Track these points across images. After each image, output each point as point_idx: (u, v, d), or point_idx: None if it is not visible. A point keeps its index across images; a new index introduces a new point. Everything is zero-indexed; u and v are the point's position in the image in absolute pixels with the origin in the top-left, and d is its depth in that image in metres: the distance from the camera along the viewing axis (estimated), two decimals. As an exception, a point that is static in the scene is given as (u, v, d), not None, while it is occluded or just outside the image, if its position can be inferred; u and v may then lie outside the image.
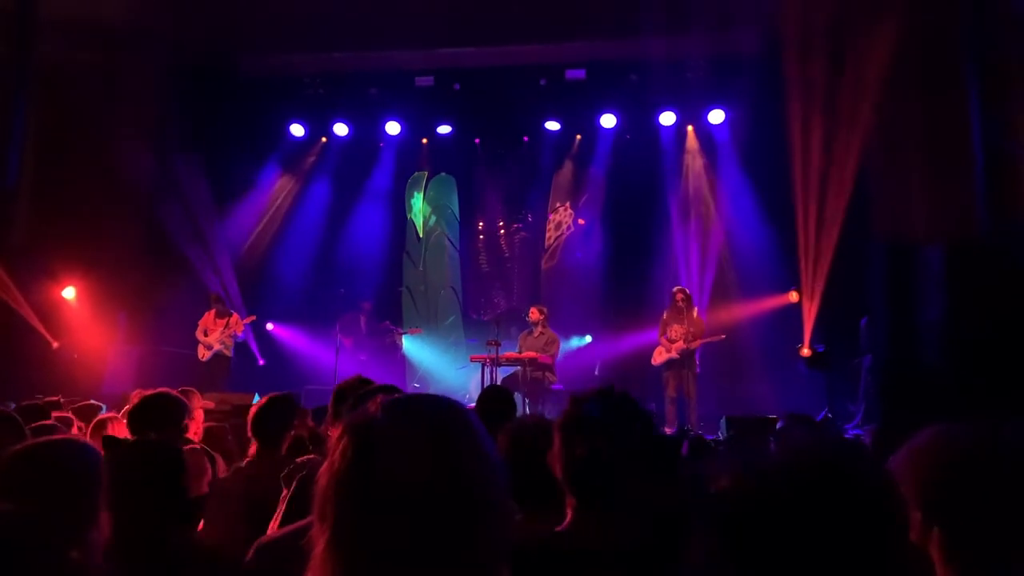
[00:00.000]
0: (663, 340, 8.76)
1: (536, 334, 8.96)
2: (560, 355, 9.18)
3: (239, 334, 9.51)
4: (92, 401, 5.43)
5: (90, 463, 1.87)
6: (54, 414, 4.02)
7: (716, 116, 10.37)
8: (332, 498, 0.97)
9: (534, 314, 9.05)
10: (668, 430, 7.80)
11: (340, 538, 0.96)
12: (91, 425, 3.44)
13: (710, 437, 6.40)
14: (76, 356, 8.74)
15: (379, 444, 0.98)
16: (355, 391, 2.18)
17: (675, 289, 8.83)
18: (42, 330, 8.64)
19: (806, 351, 8.10)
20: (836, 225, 8.44)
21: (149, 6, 9.19)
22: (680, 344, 8.58)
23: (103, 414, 3.68)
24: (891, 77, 8.72)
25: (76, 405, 4.87)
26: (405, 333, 10.63)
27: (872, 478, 1.15)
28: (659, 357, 8.74)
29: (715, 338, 8.68)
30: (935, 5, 8.21)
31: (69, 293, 9.12)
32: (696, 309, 8.78)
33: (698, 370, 8.80)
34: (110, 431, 3.29)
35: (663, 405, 8.62)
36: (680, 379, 8.59)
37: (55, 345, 8.67)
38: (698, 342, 8.58)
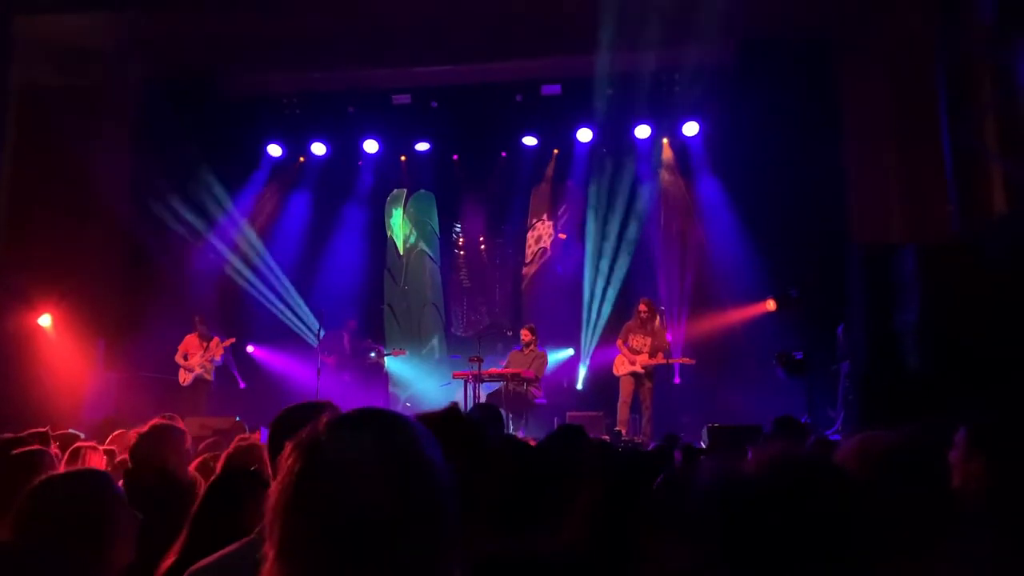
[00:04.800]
0: (624, 349, 8.80)
1: (526, 353, 9.02)
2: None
3: (217, 359, 9.44)
4: (71, 430, 5.38)
5: (106, 495, 1.89)
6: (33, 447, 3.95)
7: (691, 128, 10.48)
8: (279, 515, 0.98)
9: (525, 335, 9.11)
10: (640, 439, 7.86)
11: (286, 555, 0.97)
12: (67, 453, 3.40)
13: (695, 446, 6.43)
14: (53, 385, 8.61)
15: (323, 461, 0.98)
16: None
17: (641, 300, 8.90)
18: (19, 359, 8.53)
19: (784, 358, 8.16)
20: (810, 232, 8.57)
21: (125, 27, 9.17)
22: (644, 357, 8.63)
23: (80, 442, 3.64)
24: (862, 84, 8.89)
25: (55, 433, 4.82)
26: (388, 354, 10.58)
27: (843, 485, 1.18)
28: (622, 368, 8.79)
29: (684, 361, 8.73)
30: (904, 11, 8.38)
31: (45, 321, 9.02)
32: (658, 321, 8.82)
33: (676, 381, 8.86)
34: (85, 458, 3.27)
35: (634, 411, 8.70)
36: (638, 387, 8.65)
37: (32, 374, 8.55)
38: (662, 359, 8.61)
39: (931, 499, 1.55)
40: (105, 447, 3.89)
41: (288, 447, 1.03)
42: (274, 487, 1.01)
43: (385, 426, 1.03)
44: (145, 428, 3.12)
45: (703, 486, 1.26)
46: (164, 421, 3.22)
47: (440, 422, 1.82)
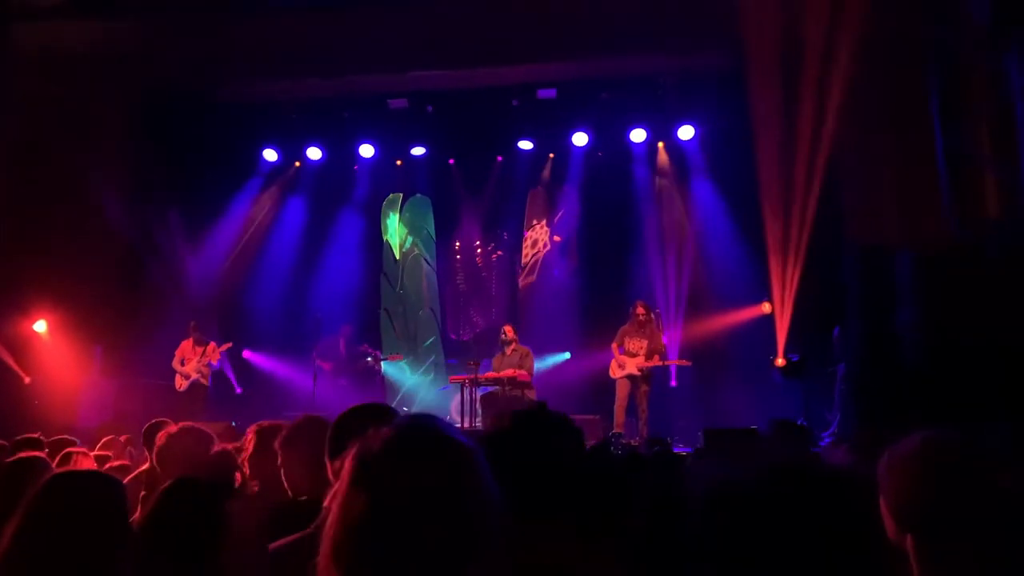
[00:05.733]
0: (617, 353, 8.76)
1: (508, 352, 8.98)
2: (538, 371, 9.21)
3: (214, 363, 9.42)
4: (66, 436, 5.36)
5: (112, 496, 1.89)
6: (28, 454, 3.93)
7: (686, 132, 10.50)
8: (342, 550, 0.99)
9: (509, 332, 9.09)
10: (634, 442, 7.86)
11: None
12: (56, 458, 3.39)
13: (689, 450, 6.44)
14: (49, 391, 8.59)
15: (388, 498, 0.99)
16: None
17: (636, 302, 8.87)
18: (14, 365, 8.52)
19: (780, 361, 8.18)
20: (805, 235, 8.58)
21: (121, 34, 9.17)
22: (640, 360, 8.61)
23: (71, 447, 3.63)
24: (856, 88, 8.91)
25: (49, 439, 4.81)
26: (385, 359, 10.57)
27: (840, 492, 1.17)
28: (617, 372, 8.74)
29: (680, 363, 8.70)
30: (897, 18, 8.41)
31: (41, 327, 9.00)
32: (655, 324, 8.80)
33: (672, 383, 8.84)
34: (76, 464, 3.26)
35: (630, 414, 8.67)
36: (634, 390, 8.64)
37: (27, 380, 8.54)
38: (658, 361, 8.58)
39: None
40: (96, 452, 3.88)
41: (345, 472, 1.03)
42: (334, 517, 1.01)
43: (449, 455, 1.03)
44: (173, 429, 3.08)
45: (697, 494, 1.26)
46: (189, 424, 3.18)
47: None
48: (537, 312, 10.87)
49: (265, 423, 2.85)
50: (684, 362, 8.78)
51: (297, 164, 11.43)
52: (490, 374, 8.81)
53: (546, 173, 11.35)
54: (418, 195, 11.84)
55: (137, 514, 2.24)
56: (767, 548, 1.12)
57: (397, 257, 11.81)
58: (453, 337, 11.48)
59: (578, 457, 1.77)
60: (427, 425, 1.08)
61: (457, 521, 0.99)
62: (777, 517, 1.13)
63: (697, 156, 10.56)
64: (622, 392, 8.64)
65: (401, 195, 11.83)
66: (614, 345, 8.87)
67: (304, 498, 2.26)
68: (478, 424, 8.42)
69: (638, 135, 10.66)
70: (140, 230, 10.08)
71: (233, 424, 7.56)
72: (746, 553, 1.14)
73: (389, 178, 11.67)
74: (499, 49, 9.65)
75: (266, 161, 11.26)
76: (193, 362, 9.36)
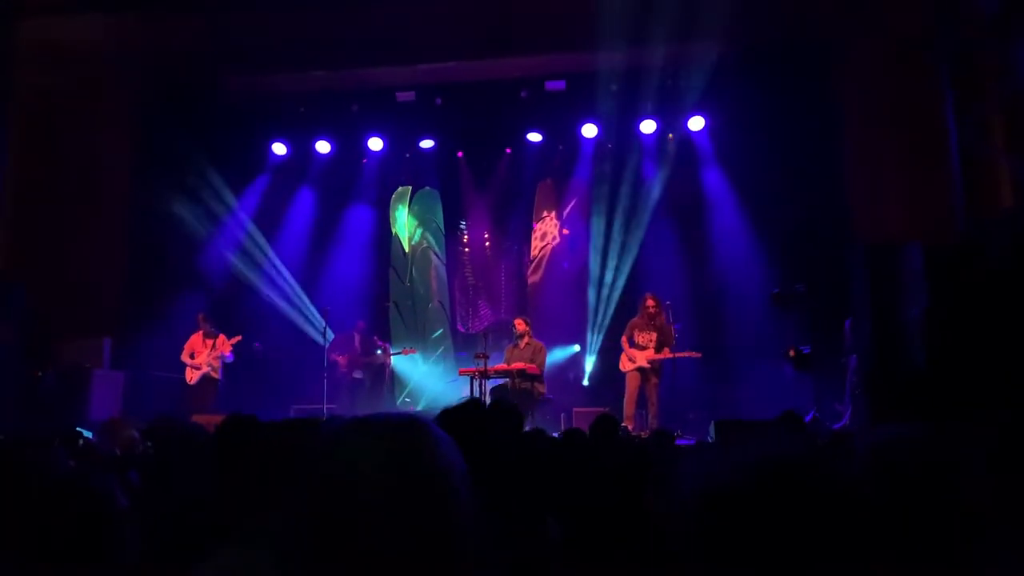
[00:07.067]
0: (627, 347, 8.75)
1: (522, 346, 8.98)
2: (548, 364, 9.21)
3: (227, 355, 9.46)
4: (77, 429, 5.42)
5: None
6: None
7: (696, 123, 10.44)
8: (311, 539, 0.97)
9: (520, 325, 9.09)
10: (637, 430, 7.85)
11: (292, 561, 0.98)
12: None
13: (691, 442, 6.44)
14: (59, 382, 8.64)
15: (331, 472, 0.98)
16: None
17: (646, 295, 8.85)
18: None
19: (792, 352, 8.15)
20: (816, 226, 8.54)
21: (128, 28, 9.19)
22: (650, 352, 8.59)
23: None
24: (868, 81, 8.85)
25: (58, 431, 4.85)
26: (397, 353, 10.58)
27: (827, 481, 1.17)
28: (627, 365, 8.73)
29: (691, 355, 8.68)
30: (910, 11, 8.34)
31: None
32: (664, 316, 8.77)
33: (682, 376, 8.83)
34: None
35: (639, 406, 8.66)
36: (644, 382, 8.62)
37: (37, 372, 8.60)
38: (667, 353, 8.55)
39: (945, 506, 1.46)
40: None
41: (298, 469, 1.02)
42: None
43: (392, 429, 1.02)
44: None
45: (685, 484, 1.25)
46: None
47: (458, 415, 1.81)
48: (546, 305, 10.87)
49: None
50: (694, 354, 8.76)
51: (306, 157, 11.44)
52: (500, 366, 8.82)
53: (555, 165, 11.32)
54: (427, 188, 11.83)
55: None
56: (744, 543, 1.12)
57: (406, 250, 11.82)
58: (462, 330, 11.49)
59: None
60: (387, 413, 1.08)
61: (409, 495, 0.96)
62: (757, 513, 1.13)
63: (707, 147, 10.51)
64: (632, 385, 8.64)
65: (410, 188, 11.83)
66: (624, 338, 8.86)
67: None
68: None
69: (648, 126, 10.60)
70: (151, 223, 10.13)
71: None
72: (727, 548, 1.13)
73: (398, 171, 11.67)
74: (508, 41, 9.62)
75: (275, 155, 11.28)
76: (203, 355, 9.40)
